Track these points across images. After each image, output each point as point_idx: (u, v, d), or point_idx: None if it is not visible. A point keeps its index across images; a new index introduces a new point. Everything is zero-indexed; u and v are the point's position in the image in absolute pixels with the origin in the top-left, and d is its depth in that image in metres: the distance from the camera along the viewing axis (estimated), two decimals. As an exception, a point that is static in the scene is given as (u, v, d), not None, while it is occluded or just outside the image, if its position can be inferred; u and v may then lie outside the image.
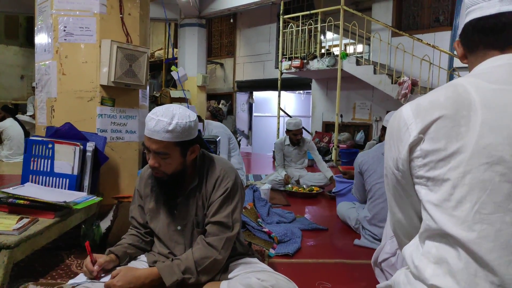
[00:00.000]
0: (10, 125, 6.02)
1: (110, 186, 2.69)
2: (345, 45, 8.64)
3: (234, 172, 1.58)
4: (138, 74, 2.71)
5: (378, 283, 1.89)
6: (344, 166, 3.07)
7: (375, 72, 6.19)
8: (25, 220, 1.84)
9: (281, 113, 7.81)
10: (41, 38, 2.76)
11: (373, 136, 7.31)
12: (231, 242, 1.51)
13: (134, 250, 1.59)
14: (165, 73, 9.75)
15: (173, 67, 4.77)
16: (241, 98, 10.54)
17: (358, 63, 6.36)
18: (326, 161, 6.59)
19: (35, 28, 2.82)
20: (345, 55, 6.38)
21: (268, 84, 9.43)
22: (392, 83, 5.99)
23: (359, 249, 2.46)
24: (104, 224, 2.35)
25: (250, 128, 10.63)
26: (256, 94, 10.61)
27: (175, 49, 10.04)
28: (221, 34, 10.90)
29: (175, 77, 5.12)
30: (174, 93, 8.17)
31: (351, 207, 2.87)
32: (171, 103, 8.17)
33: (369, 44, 7.65)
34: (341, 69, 6.36)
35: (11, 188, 2.04)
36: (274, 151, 7.23)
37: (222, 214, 1.49)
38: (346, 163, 6.22)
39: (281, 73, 7.42)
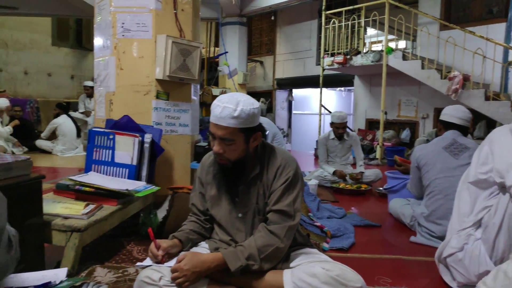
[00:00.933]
0: (64, 122, 6.34)
1: (164, 177, 2.77)
2: (387, 41, 8.41)
3: (295, 162, 1.57)
4: (191, 69, 2.77)
5: (442, 280, 1.82)
6: (401, 157, 2.94)
7: (423, 67, 5.96)
8: (91, 206, 1.93)
9: (323, 110, 7.71)
10: (100, 35, 2.88)
11: (420, 133, 7.05)
12: (293, 231, 1.51)
13: (196, 236, 1.62)
14: (207, 71, 9.91)
15: (224, 62, 4.85)
16: (280, 96, 10.52)
17: (404, 58, 6.16)
18: (370, 159, 6.44)
19: (94, 26, 2.95)
20: (390, 50, 6.20)
21: (308, 81, 9.34)
22: (441, 78, 5.75)
23: (416, 246, 2.38)
24: (160, 214, 2.41)
25: (289, 126, 10.58)
26: (296, 92, 10.54)
27: (216, 48, 10.19)
28: (261, 32, 10.93)
29: (226, 71, 5.19)
30: (216, 91, 8.28)
31: (405, 203, 2.78)
32: (212, 101, 8.27)
33: (413, 40, 7.38)
34: (387, 65, 6.18)
35: (77, 176, 2.15)
36: (316, 148, 7.16)
37: (283, 203, 1.49)
38: (391, 161, 6.04)
39: (323, 70, 7.33)
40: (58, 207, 1.86)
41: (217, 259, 1.41)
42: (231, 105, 1.38)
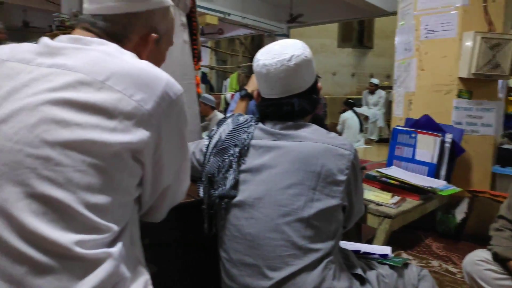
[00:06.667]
0: (350, 117, 7.07)
1: (460, 178, 2.69)
2: None
3: None
4: (502, 64, 2.55)
5: None
6: None
7: None
8: (397, 198, 2.15)
9: None
10: (402, 38, 3.08)
11: None
12: None
13: None
14: None
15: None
16: None
17: None
18: None
19: (396, 30, 3.17)
20: None
21: None
22: None
23: None
24: (458, 215, 2.39)
25: None
26: None
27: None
28: None
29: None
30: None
31: None
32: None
33: None
34: None
35: (382, 169, 2.44)
36: None
37: None
38: None
39: None
40: (370, 194, 2.19)
41: None
42: None
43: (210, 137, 1.22)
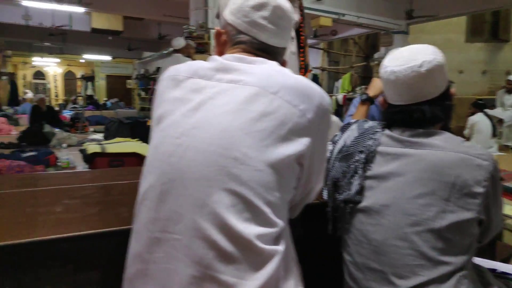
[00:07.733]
0: (480, 120, 6.33)
1: None
2: None
3: None
4: None
5: None
6: None
7: None
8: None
9: None
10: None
11: None
12: None
13: None
14: None
15: None
16: None
17: None
18: None
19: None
20: None
21: None
22: None
23: None
24: None
25: None
26: None
27: None
28: None
29: None
30: None
31: None
32: None
33: None
34: None
35: (522, 180, 2.16)
36: None
37: None
38: None
39: None
40: (507, 209, 1.96)
41: None
42: None
43: (334, 142, 1.25)
